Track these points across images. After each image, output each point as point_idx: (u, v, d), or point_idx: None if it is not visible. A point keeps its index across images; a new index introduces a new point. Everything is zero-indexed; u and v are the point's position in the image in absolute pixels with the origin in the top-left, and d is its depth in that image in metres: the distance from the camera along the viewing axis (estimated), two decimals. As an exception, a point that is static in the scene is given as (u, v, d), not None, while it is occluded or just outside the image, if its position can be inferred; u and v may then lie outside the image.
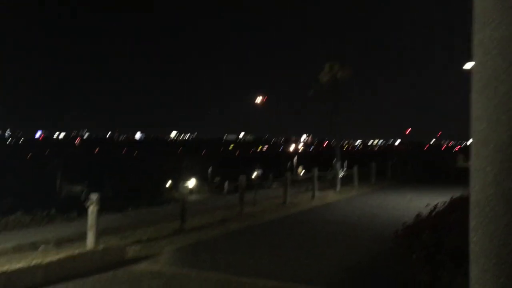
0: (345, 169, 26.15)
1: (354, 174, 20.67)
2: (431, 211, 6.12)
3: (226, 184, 41.03)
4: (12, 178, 45.41)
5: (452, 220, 5.48)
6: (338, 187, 18.96)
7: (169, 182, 42.10)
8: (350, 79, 21.28)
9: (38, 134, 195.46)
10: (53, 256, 7.03)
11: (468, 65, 17.65)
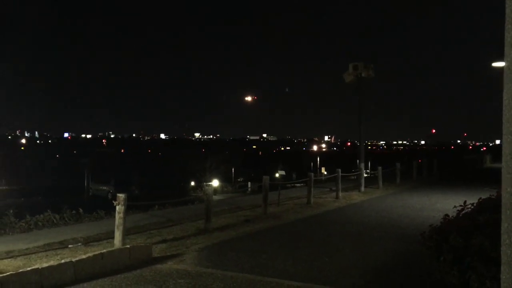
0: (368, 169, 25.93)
1: (379, 175, 20.44)
2: (459, 212, 6.01)
3: (249, 184, 41.28)
4: (42, 178, 46.58)
5: (481, 222, 5.38)
6: (363, 187, 18.79)
7: (193, 181, 42.55)
8: (374, 79, 21.03)
9: (67, 134, 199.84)
10: (82, 254, 7.19)
11: (497, 64, 17.24)
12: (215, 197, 14.46)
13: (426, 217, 12.08)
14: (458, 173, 28.62)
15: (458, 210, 6.07)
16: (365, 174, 20.95)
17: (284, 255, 8.11)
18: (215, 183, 37.87)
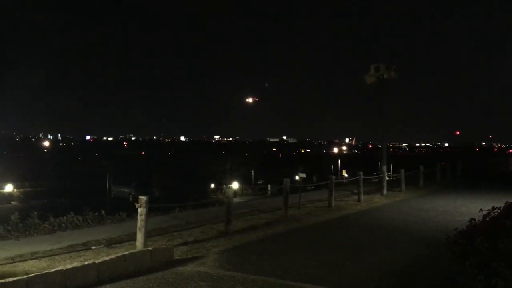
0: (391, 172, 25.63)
1: (401, 178, 20.16)
2: (485, 216, 5.88)
3: (269, 186, 41.20)
4: (65, 179, 47.38)
5: (508, 226, 5.25)
6: (385, 190, 18.57)
7: (213, 184, 42.72)
8: (397, 81, 20.79)
9: (89, 137, 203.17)
10: (105, 256, 7.27)
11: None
12: (235, 200, 14.46)
13: (451, 221, 11.86)
14: (483, 176, 28.04)
15: (484, 214, 5.94)
16: (388, 177, 20.69)
17: (305, 259, 8.05)
18: (235, 185, 37.94)
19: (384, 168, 19.38)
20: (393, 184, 20.97)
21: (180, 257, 7.94)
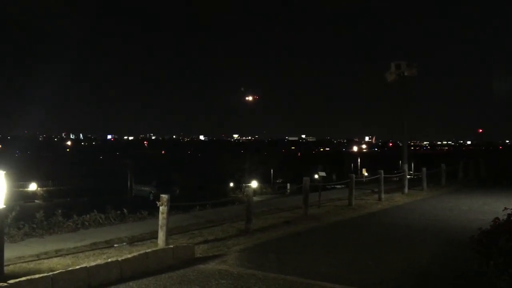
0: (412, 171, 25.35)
1: (423, 176, 19.91)
2: (510, 215, 5.78)
3: (289, 185, 41.12)
4: (87, 178, 48.16)
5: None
6: (406, 189, 18.36)
7: (232, 182, 42.89)
8: (417, 78, 20.55)
9: (110, 136, 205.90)
10: (127, 253, 7.37)
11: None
12: (255, 198, 14.48)
13: (474, 220, 11.67)
14: (507, 175, 27.48)
15: (508, 213, 5.84)
16: (409, 175, 20.45)
17: (326, 257, 8.03)
18: (254, 184, 37.98)
19: (405, 166, 19.15)
20: (415, 183, 20.72)
21: (201, 255, 8.01)
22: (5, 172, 6.33)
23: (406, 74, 19.27)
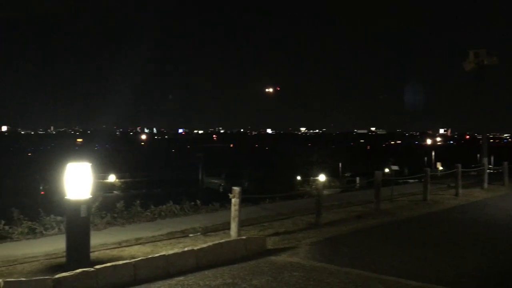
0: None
1: (504, 170, 18.77)
2: None
3: (358, 179, 40.32)
4: (160, 170, 50.21)
5: None
6: (485, 184, 17.41)
7: (300, 176, 42.76)
8: (499, 67, 19.32)
9: (181, 130, 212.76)
10: (202, 243, 7.63)
11: None
12: (324, 192, 14.39)
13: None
14: None
15: None
16: (488, 169, 19.36)
17: (399, 253, 7.84)
18: (322, 178, 37.62)
19: (485, 160, 18.16)
20: (495, 177, 19.61)
21: (272, 247, 8.10)
22: (90, 164, 6.79)
23: (486, 63, 18.21)
